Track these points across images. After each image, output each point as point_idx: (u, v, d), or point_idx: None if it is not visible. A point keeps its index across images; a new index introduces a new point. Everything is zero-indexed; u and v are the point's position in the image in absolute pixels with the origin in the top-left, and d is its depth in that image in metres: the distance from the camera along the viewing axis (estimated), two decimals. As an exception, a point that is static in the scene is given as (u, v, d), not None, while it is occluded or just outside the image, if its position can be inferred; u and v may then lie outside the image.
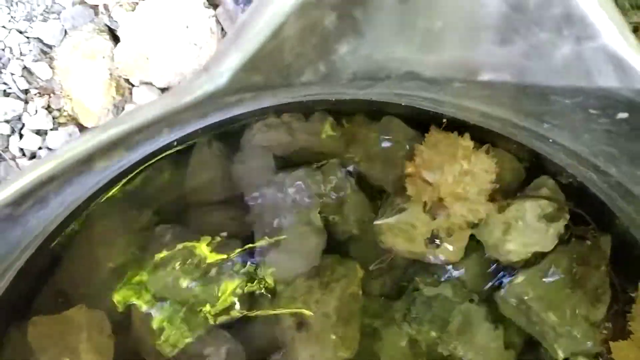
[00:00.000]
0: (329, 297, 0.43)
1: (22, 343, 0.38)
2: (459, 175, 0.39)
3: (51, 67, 0.65)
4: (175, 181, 0.45)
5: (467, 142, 0.41)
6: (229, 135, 0.45)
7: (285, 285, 0.44)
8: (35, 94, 0.66)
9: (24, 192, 0.19)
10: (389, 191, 0.46)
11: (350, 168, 0.45)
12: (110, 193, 0.43)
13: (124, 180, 0.44)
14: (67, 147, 0.20)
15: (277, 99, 0.32)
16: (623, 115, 0.27)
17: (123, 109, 0.64)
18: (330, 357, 0.43)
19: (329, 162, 0.45)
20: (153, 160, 0.44)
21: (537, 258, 0.44)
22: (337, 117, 0.45)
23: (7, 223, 0.22)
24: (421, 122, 0.44)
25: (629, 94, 0.25)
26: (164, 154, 0.46)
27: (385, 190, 0.46)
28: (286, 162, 0.45)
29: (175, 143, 0.44)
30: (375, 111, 0.45)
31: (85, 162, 0.20)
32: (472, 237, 0.44)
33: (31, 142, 0.65)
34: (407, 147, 0.44)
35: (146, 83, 0.63)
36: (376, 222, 0.43)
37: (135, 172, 0.43)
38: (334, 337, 0.43)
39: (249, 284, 0.43)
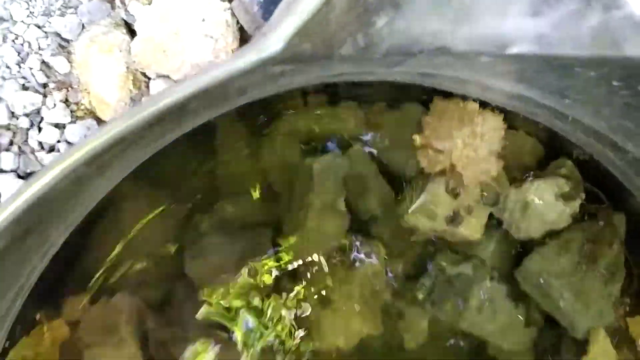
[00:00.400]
0: (352, 276, 0.44)
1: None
2: (468, 138, 0.40)
3: (69, 61, 0.66)
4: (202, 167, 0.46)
5: (472, 105, 0.42)
6: (254, 121, 0.46)
7: (310, 265, 0.45)
8: (53, 88, 0.67)
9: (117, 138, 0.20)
10: (409, 175, 0.47)
11: (374, 152, 0.46)
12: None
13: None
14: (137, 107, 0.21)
15: (308, 78, 0.33)
16: (646, 84, 0.29)
17: (140, 102, 0.65)
18: (354, 334, 0.44)
19: (353, 147, 0.46)
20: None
21: (553, 236, 0.45)
22: (359, 105, 0.46)
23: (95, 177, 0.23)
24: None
25: (655, 61, 0.26)
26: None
27: (405, 173, 0.47)
28: (312, 148, 0.46)
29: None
30: (394, 99, 0.46)
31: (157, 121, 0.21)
32: (491, 215, 0.45)
33: (50, 135, 0.66)
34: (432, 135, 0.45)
35: (163, 76, 0.64)
36: (411, 209, 0.44)
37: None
38: (357, 314, 0.44)
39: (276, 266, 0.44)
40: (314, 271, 0.44)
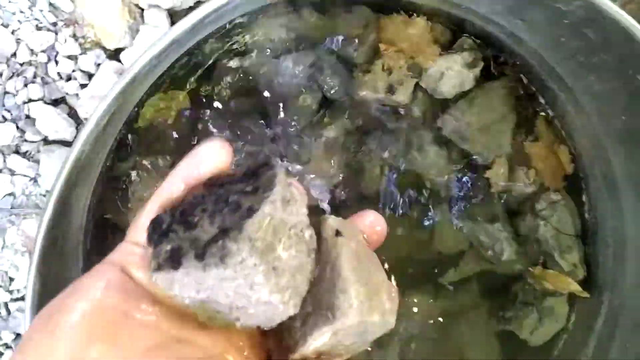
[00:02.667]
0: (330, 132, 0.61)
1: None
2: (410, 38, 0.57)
3: (72, 1, 0.78)
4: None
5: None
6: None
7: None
8: (62, 26, 0.80)
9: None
10: (359, 62, 0.63)
11: (334, 48, 0.62)
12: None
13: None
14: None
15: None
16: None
17: (137, 30, 0.79)
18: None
19: (316, 44, 0.62)
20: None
21: (463, 95, 0.63)
22: (319, 10, 0.62)
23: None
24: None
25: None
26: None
27: (355, 60, 0.63)
28: (284, 50, 0.62)
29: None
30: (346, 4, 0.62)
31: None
32: (417, 85, 0.62)
33: (66, 66, 0.79)
34: (374, 31, 0.62)
35: (154, 6, 0.78)
36: (357, 90, 0.61)
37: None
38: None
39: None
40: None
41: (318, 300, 0.26)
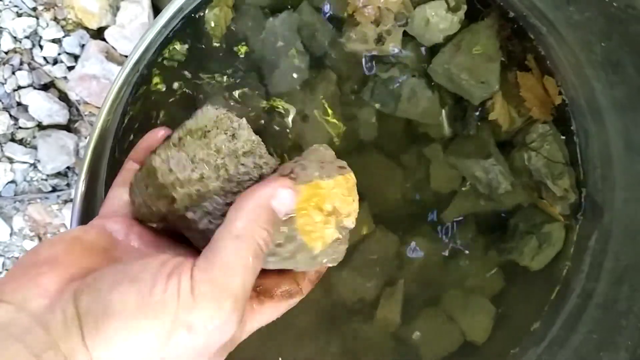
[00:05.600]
0: (316, 96, 0.64)
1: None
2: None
3: (49, -16, 0.78)
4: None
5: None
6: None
7: (287, 96, 0.64)
8: (42, 10, 0.79)
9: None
10: (346, 18, 0.65)
11: (317, 6, 0.64)
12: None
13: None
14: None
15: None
16: None
17: (118, 7, 0.79)
18: (325, 138, 0.65)
19: (301, 6, 0.63)
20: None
21: (450, 39, 0.65)
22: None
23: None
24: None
25: None
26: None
27: (342, 15, 0.65)
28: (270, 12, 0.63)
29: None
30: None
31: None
32: (405, 33, 0.64)
33: (51, 50, 0.79)
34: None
35: (133, -19, 0.78)
36: (347, 44, 0.63)
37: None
38: (326, 124, 0.64)
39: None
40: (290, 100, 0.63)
41: None
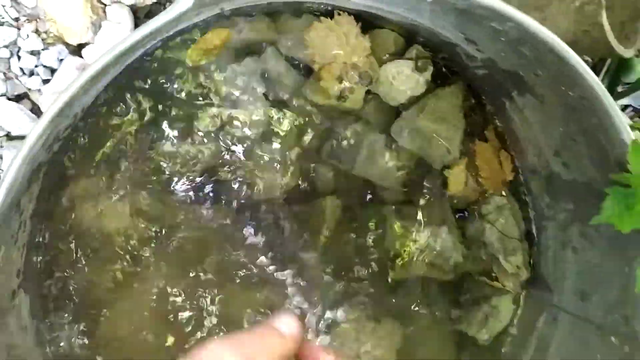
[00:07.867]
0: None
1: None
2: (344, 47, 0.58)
3: (34, -3, 0.78)
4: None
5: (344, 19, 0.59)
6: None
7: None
8: (24, 21, 0.80)
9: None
10: (314, 67, 0.64)
11: (283, 52, 0.63)
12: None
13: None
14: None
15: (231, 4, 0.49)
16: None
17: (100, 26, 0.79)
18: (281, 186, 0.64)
19: (267, 50, 0.63)
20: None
21: (414, 100, 0.64)
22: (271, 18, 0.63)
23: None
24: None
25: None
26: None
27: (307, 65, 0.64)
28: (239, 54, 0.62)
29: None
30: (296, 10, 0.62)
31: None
32: (369, 92, 0.64)
33: (28, 61, 0.79)
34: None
35: (117, 1, 0.78)
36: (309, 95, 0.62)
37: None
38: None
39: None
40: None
41: None
